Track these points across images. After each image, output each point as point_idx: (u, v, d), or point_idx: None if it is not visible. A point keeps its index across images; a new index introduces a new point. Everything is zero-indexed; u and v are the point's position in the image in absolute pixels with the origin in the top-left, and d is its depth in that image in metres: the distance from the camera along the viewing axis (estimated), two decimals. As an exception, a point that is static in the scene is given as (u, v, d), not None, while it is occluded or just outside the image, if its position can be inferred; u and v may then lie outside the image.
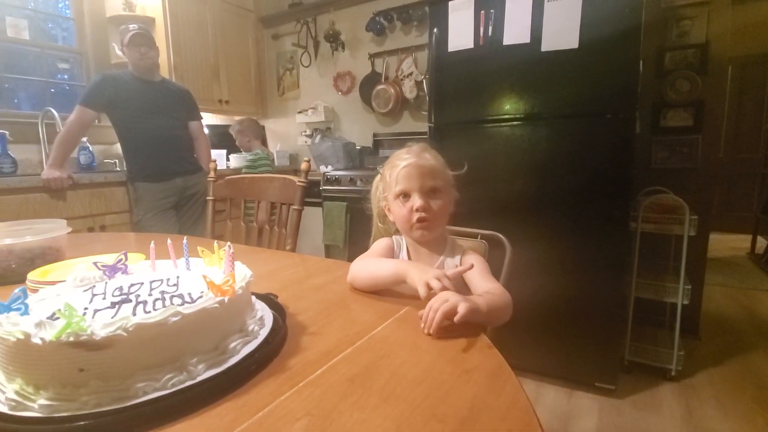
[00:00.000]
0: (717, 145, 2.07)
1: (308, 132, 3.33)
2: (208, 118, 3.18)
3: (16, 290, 0.45)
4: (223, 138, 3.07)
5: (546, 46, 1.61)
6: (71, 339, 0.38)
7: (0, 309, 0.43)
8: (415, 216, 0.79)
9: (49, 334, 0.38)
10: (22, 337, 0.38)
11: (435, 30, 1.84)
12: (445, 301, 0.56)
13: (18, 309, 0.44)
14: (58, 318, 0.42)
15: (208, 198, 1.51)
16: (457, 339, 0.54)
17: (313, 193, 2.47)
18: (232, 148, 3.02)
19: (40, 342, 0.37)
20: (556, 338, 1.73)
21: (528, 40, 1.64)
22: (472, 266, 0.69)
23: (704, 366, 1.87)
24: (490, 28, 1.71)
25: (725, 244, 3.93)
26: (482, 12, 1.72)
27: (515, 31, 1.66)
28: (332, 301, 0.70)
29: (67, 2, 2.67)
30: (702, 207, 1.90)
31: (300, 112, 3.30)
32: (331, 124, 3.27)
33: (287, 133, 3.52)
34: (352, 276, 0.76)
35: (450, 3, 1.78)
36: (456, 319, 0.54)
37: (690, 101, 2.03)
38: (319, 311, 0.64)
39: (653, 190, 1.94)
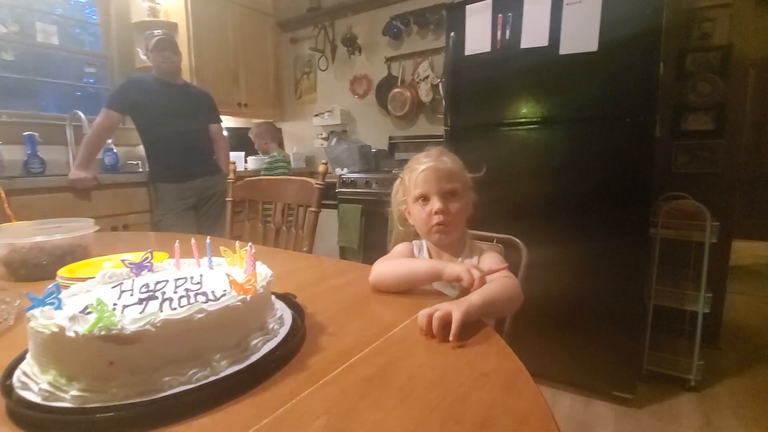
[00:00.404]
0: (739, 149, 2.01)
1: (324, 135, 3.36)
2: (228, 121, 3.24)
3: (50, 286, 0.47)
4: (241, 140, 3.13)
5: (564, 49, 1.59)
6: (103, 333, 0.39)
7: (35, 303, 0.45)
8: (434, 219, 0.81)
9: (82, 327, 0.39)
10: (56, 330, 0.40)
11: (452, 33, 1.84)
12: (437, 310, 0.56)
13: (52, 303, 0.46)
14: (90, 312, 0.44)
15: (227, 199, 1.54)
16: (474, 342, 0.54)
17: (328, 195, 2.49)
18: (250, 150, 3.07)
19: (73, 335, 0.39)
20: (573, 345, 1.70)
21: (546, 44, 1.62)
22: (507, 267, 0.71)
23: (725, 376, 1.81)
24: (508, 31, 1.71)
25: (747, 251, 3.81)
26: (500, 15, 1.72)
27: (533, 35, 1.65)
28: (349, 302, 0.71)
29: (94, 8, 2.76)
30: (724, 213, 1.85)
31: (317, 115, 3.33)
32: (347, 127, 3.30)
33: (304, 135, 3.56)
34: (378, 275, 0.76)
35: (467, 7, 1.78)
36: (451, 336, 0.53)
37: (711, 104, 1.99)
38: (336, 312, 0.65)
39: (673, 195, 1.90)
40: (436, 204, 0.80)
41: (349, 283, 0.82)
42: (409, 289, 0.74)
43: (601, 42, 1.52)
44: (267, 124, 2.86)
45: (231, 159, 2.35)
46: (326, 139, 3.32)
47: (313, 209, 1.30)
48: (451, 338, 0.53)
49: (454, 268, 0.70)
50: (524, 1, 1.65)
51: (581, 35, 1.56)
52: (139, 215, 2.19)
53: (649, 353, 1.79)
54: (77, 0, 2.69)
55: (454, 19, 1.83)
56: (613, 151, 1.56)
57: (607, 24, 1.51)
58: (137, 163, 2.65)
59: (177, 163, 2.13)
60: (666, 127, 2.04)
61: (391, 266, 0.77)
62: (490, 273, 0.69)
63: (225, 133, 2.47)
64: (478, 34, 1.78)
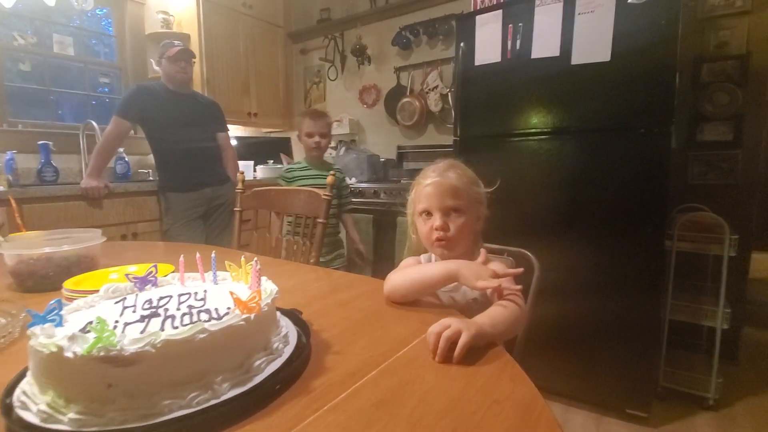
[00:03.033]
0: (757, 160, 1.96)
1: (333, 144, 3.37)
2: (238, 131, 3.27)
3: (52, 301, 0.47)
4: (251, 149, 3.15)
5: (576, 59, 1.57)
6: (101, 354, 0.38)
7: (36, 320, 0.44)
8: (434, 235, 0.82)
9: (81, 347, 0.38)
10: (55, 350, 0.38)
11: (462, 44, 1.84)
12: (447, 327, 0.55)
13: (53, 320, 0.45)
14: (89, 331, 0.42)
15: (235, 209, 1.53)
16: (486, 365, 0.51)
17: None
18: (259, 159, 3.09)
19: (71, 356, 0.38)
20: (586, 360, 1.66)
21: (557, 53, 1.61)
22: (522, 270, 0.70)
23: (744, 395, 1.75)
24: (518, 41, 1.70)
25: (766, 264, 3.70)
26: (510, 26, 1.71)
27: (544, 45, 1.64)
28: (357, 318, 0.69)
29: (109, 20, 2.82)
30: (742, 225, 1.80)
31: (326, 125, 3.34)
32: (356, 137, 3.30)
33: (313, 144, 3.56)
34: (392, 285, 0.76)
35: (477, 17, 1.78)
36: (454, 359, 0.52)
37: (729, 115, 1.94)
38: (343, 329, 0.64)
39: (689, 207, 1.86)
40: (436, 220, 0.81)
41: (357, 297, 0.80)
42: (425, 296, 0.74)
43: (614, 52, 1.50)
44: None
45: (240, 168, 2.36)
46: (335, 148, 3.32)
47: (320, 220, 1.29)
48: (454, 361, 0.52)
49: (469, 279, 0.69)
50: (535, 11, 1.64)
51: (594, 45, 1.54)
52: (148, 223, 2.20)
53: (665, 370, 1.73)
54: (94, 12, 2.75)
55: (464, 29, 1.83)
56: (627, 162, 1.53)
57: (621, 33, 1.49)
58: (148, 172, 2.68)
59: (185, 172, 2.14)
60: (682, 137, 2.00)
61: (403, 274, 0.77)
62: (507, 276, 0.68)
63: (234, 142, 2.48)
64: (488, 44, 1.77)
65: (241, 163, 2.59)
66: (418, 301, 0.74)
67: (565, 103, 1.64)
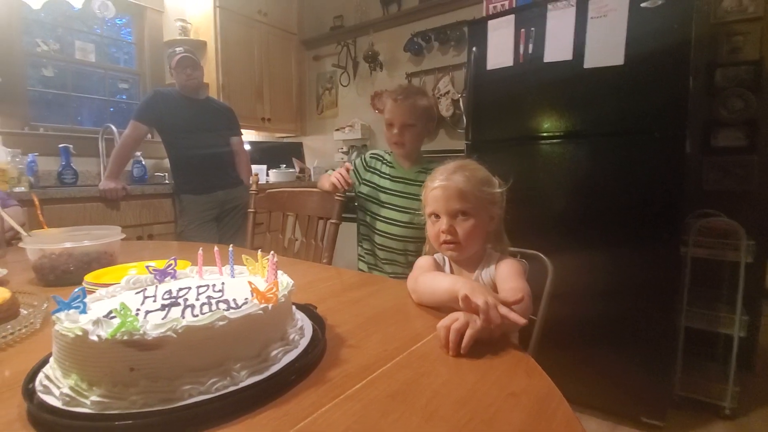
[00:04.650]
0: (773, 165, 1.93)
1: (345, 149, 3.40)
2: (251, 135, 3.31)
3: (76, 290, 0.48)
4: (264, 153, 3.19)
5: (589, 62, 1.57)
6: (125, 338, 0.39)
7: (61, 306, 0.46)
8: (441, 237, 0.82)
9: (105, 332, 0.39)
10: (80, 333, 0.40)
11: (474, 49, 1.85)
12: (455, 319, 0.55)
13: (77, 307, 0.47)
14: (114, 317, 0.44)
15: (249, 210, 1.55)
16: (500, 360, 0.51)
17: (348, 208, 2.50)
18: (272, 163, 3.13)
19: (96, 339, 0.39)
20: (600, 366, 1.63)
21: (570, 57, 1.61)
22: (521, 299, 0.62)
23: (761, 404, 1.70)
24: (531, 45, 1.70)
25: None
26: (522, 30, 1.72)
27: (557, 49, 1.64)
28: (370, 315, 0.69)
29: (128, 29, 2.90)
30: (759, 232, 1.76)
31: (337, 130, 3.37)
32: (368, 142, 3.32)
33: (324, 149, 3.60)
34: (411, 290, 0.77)
35: (489, 22, 1.79)
36: (462, 349, 0.52)
37: (743, 120, 1.92)
38: (357, 325, 0.64)
39: (704, 212, 1.83)
40: (443, 224, 0.82)
41: (370, 295, 0.80)
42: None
43: (628, 55, 1.50)
44: None
45: (254, 171, 2.39)
46: (347, 153, 3.35)
47: (333, 221, 1.30)
48: (462, 352, 0.52)
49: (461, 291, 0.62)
50: (548, 15, 1.64)
51: (607, 49, 1.53)
52: (164, 225, 2.24)
53: (681, 378, 1.69)
54: (113, 21, 2.83)
55: (476, 34, 1.84)
56: (641, 167, 1.52)
57: (634, 37, 1.48)
58: (164, 175, 2.73)
59: (200, 176, 2.18)
60: (696, 142, 1.98)
61: (419, 284, 0.76)
62: (509, 305, 0.60)
63: (247, 146, 2.51)
64: (500, 49, 1.78)
65: (254, 167, 2.63)
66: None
67: (577, 106, 1.63)
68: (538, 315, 0.97)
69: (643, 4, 1.47)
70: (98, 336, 0.39)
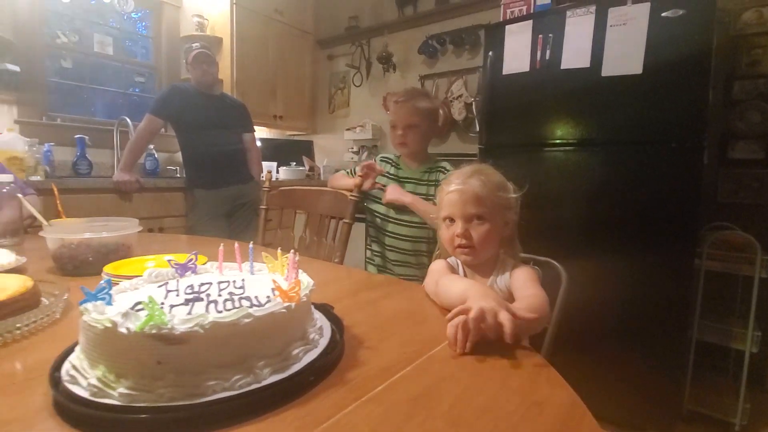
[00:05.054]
0: (790, 180, 1.90)
1: (355, 149, 3.40)
2: (262, 132, 3.33)
3: (102, 281, 0.48)
4: (274, 150, 3.21)
5: (607, 71, 1.56)
6: (153, 331, 0.39)
7: (88, 297, 0.46)
8: (456, 241, 0.82)
9: (134, 324, 0.40)
10: (110, 325, 0.40)
11: (490, 53, 1.84)
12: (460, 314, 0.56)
13: (103, 298, 0.47)
14: (140, 309, 0.44)
15: (261, 207, 1.56)
16: (520, 368, 0.51)
17: (357, 209, 2.50)
18: (282, 160, 3.14)
19: (125, 332, 0.39)
20: (609, 377, 1.61)
21: (588, 65, 1.60)
22: (535, 319, 0.63)
23: (772, 422, 1.68)
24: (548, 52, 1.69)
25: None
26: (540, 36, 1.71)
27: (574, 56, 1.63)
28: (386, 316, 0.69)
29: (144, 23, 2.93)
30: (773, 246, 1.74)
31: (348, 129, 3.38)
32: (378, 142, 3.32)
33: (335, 148, 3.61)
34: (436, 297, 0.76)
35: (507, 27, 1.78)
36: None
37: (761, 133, 1.90)
38: (373, 326, 0.64)
39: (719, 225, 1.81)
40: (458, 228, 0.81)
41: (385, 296, 0.80)
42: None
43: (646, 64, 1.49)
44: None
45: (264, 168, 2.40)
46: (357, 152, 3.36)
47: (346, 221, 1.30)
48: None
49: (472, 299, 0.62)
50: (566, 22, 1.63)
51: (625, 57, 1.52)
52: (175, 219, 2.26)
53: (691, 392, 1.67)
54: (130, 15, 2.86)
55: (493, 38, 1.83)
56: (656, 177, 1.51)
57: (653, 47, 1.47)
58: (176, 169, 2.75)
59: (212, 171, 2.19)
60: (712, 154, 1.96)
61: (440, 287, 0.75)
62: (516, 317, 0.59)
63: (258, 143, 2.53)
64: (516, 54, 1.77)
65: (264, 164, 2.64)
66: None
67: (594, 114, 1.62)
68: (550, 323, 0.96)
69: (664, 14, 1.46)
70: (127, 328, 0.39)
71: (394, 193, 1.36)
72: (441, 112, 1.82)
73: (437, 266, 0.87)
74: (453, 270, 0.86)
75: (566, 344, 1.23)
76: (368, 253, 1.53)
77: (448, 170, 1.39)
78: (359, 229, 2.62)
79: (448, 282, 0.74)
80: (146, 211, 2.13)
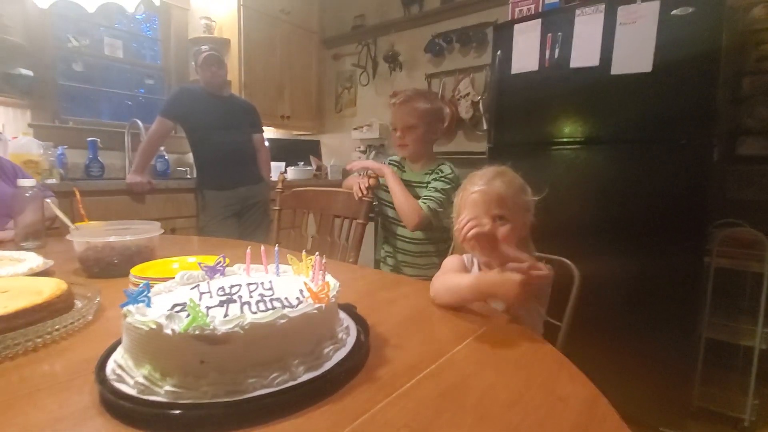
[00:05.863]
0: (799, 176, 1.90)
1: (362, 148, 3.42)
2: (270, 132, 3.35)
3: (141, 284, 0.51)
4: (283, 150, 3.23)
5: (616, 69, 1.57)
6: (197, 332, 0.41)
7: (129, 300, 0.48)
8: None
9: (178, 326, 0.42)
10: (155, 327, 0.42)
11: (498, 52, 1.85)
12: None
13: (143, 301, 0.49)
14: (180, 311, 0.46)
15: (274, 208, 1.58)
16: (542, 364, 0.53)
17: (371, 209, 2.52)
18: (289, 160, 3.16)
19: (170, 333, 0.42)
20: (618, 373, 1.62)
21: (597, 63, 1.61)
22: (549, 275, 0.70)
23: (782, 418, 1.68)
24: (557, 50, 1.70)
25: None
26: (549, 35, 1.72)
27: (583, 54, 1.64)
28: (406, 315, 0.71)
29: (149, 25, 2.96)
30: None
31: (355, 129, 3.40)
32: (385, 141, 3.34)
33: (342, 148, 3.63)
34: (434, 293, 0.77)
35: (516, 26, 1.79)
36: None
37: (770, 129, 1.90)
38: (395, 324, 0.66)
39: (728, 222, 1.81)
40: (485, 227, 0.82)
41: (404, 296, 0.82)
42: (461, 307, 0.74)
43: (656, 63, 1.49)
44: None
45: (272, 169, 2.42)
46: (364, 152, 3.37)
47: (360, 221, 1.32)
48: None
49: (497, 292, 0.69)
50: (575, 20, 1.64)
51: (635, 56, 1.53)
52: (186, 220, 2.29)
53: (700, 388, 1.68)
54: (135, 17, 2.88)
55: (501, 37, 1.84)
56: (665, 174, 1.51)
57: (663, 45, 1.48)
58: (186, 170, 2.78)
59: (222, 172, 2.22)
60: (720, 150, 1.95)
61: (442, 283, 0.78)
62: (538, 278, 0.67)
63: (267, 143, 2.55)
64: (525, 53, 1.78)
65: (273, 164, 2.66)
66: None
67: (603, 112, 1.63)
68: (563, 321, 0.98)
69: (674, 12, 1.46)
70: (172, 330, 0.42)
71: (375, 164, 1.42)
72: (445, 111, 1.85)
73: (451, 262, 0.88)
74: (465, 267, 0.88)
75: (575, 341, 1.24)
76: (382, 252, 1.55)
77: (444, 172, 1.39)
78: (368, 229, 2.64)
79: (452, 279, 0.77)
80: (158, 213, 2.16)
